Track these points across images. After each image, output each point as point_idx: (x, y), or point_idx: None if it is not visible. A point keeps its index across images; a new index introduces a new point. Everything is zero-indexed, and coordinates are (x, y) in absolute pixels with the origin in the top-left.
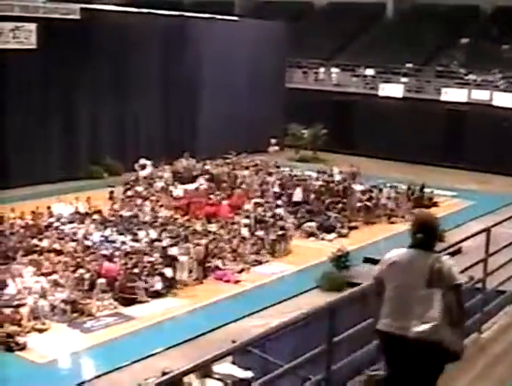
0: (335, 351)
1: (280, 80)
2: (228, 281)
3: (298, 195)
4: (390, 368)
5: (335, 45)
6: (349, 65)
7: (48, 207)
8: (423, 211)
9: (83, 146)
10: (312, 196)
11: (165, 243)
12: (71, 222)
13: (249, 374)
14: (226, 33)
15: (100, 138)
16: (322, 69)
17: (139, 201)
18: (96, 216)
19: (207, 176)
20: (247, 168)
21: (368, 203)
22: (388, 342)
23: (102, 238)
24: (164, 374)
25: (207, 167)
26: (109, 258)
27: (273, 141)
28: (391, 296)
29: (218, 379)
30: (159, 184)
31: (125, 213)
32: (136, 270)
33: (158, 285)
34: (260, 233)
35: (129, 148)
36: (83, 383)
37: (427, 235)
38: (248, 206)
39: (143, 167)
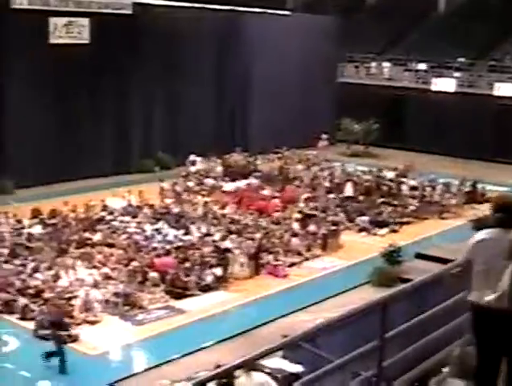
0: (386, 347)
1: (332, 75)
2: (279, 276)
3: (349, 190)
4: (479, 341)
5: (387, 39)
6: (401, 59)
7: (101, 201)
8: (501, 193)
9: (135, 140)
10: (363, 191)
11: (216, 237)
12: (123, 215)
13: (299, 368)
14: (278, 27)
15: (152, 132)
16: (374, 63)
17: (191, 196)
18: (148, 210)
19: (259, 173)
20: (300, 162)
21: (420, 199)
22: (477, 314)
23: (154, 232)
24: (218, 367)
25: (258, 162)
26: (161, 252)
27: (324, 136)
28: (479, 270)
29: (268, 374)
30: (210, 179)
31: (177, 207)
32: (187, 264)
33: (209, 278)
34: (311, 228)
35: (180, 142)
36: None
37: (505, 214)
38: (299, 201)
39: (193, 163)
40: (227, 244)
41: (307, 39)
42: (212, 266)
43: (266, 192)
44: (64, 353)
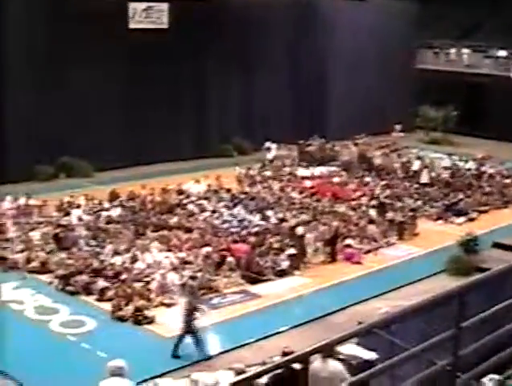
0: (462, 336)
1: (410, 61)
2: (355, 262)
3: (425, 177)
4: None
5: (466, 26)
6: (481, 46)
7: (178, 185)
8: None
9: (213, 125)
10: (440, 179)
11: (292, 222)
12: (200, 199)
13: (373, 355)
14: (356, 13)
15: (230, 117)
16: (453, 50)
17: (267, 181)
18: (225, 195)
19: (336, 160)
20: (383, 147)
21: (498, 188)
22: None
23: (231, 217)
24: (284, 354)
25: (337, 149)
26: (238, 237)
27: (397, 127)
28: None
29: (341, 360)
30: (287, 166)
31: (253, 193)
32: (263, 249)
33: (284, 263)
34: (389, 215)
35: (258, 127)
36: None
37: None
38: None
39: (269, 149)
40: (301, 230)
41: (385, 24)
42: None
43: (339, 179)
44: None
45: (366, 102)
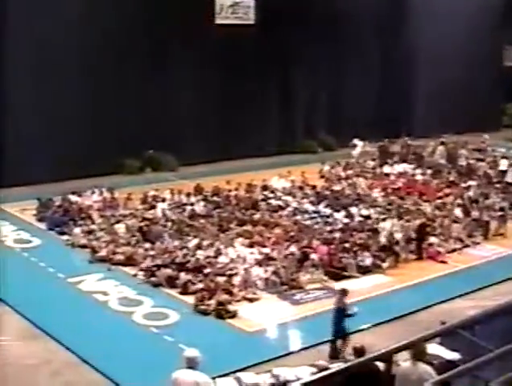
0: None
1: (497, 58)
2: (440, 261)
3: (511, 176)
4: None
5: None
6: None
7: (263, 180)
8: None
9: (299, 121)
10: None
11: (376, 220)
12: (285, 195)
13: (456, 356)
14: (442, 8)
15: (315, 113)
16: None
17: (352, 178)
18: (309, 191)
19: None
20: (463, 147)
21: None
22: None
23: (315, 213)
24: (355, 350)
25: (423, 147)
26: (322, 233)
27: (486, 136)
28: None
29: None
30: (371, 162)
31: (338, 189)
32: (347, 245)
33: (367, 261)
34: (475, 214)
35: (344, 124)
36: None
37: None
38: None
39: (355, 146)
40: (386, 225)
41: (471, 20)
42: (369, 249)
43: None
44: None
45: (454, 100)
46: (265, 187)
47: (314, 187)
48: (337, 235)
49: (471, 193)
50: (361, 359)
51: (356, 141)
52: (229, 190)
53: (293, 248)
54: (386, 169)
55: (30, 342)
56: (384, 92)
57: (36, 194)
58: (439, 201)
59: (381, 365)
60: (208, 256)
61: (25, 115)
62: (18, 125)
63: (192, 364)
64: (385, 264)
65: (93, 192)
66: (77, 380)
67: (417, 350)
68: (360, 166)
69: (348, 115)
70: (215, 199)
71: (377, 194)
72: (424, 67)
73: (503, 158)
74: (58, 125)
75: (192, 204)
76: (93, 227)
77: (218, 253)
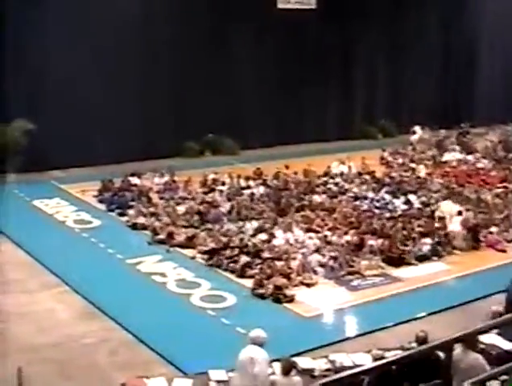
0: None
1: None
2: (499, 250)
3: None
4: None
5: None
6: None
7: (323, 165)
8: None
9: (359, 107)
10: None
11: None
12: (344, 181)
13: None
14: None
15: (376, 99)
16: None
17: (411, 164)
18: (368, 177)
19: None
20: None
21: None
22: None
23: (375, 199)
24: (419, 339)
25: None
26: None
27: (416, 128)
28: None
29: (481, 350)
30: (429, 152)
31: (398, 176)
32: (405, 232)
33: (425, 248)
34: None
35: (404, 110)
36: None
37: None
38: None
39: (414, 132)
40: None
41: None
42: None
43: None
44: None
45: None
46: (324, 173)
47: (373, 173)
48: (396, 222)
49: None
50: (422, 347)
51: (416, 128)
52: (287, 175)
53: (351, 235)
54: (446, 156)
55: (88, 322)
56: (445, 79)
57: (96, 175)
58: (499, 190)
59: (440, 354)
60: (266, 240)
61: (88, 96)
62: (80, 105)
63: (255, 342)
64: (443, 253)
65: (155, 175)
66: (134, 360)
67: (468, 338)
68: (418, 153)
69: (409, 102)
70: (274, 183)
71: (436, 182)
72: (487, 54)
73: None
74: (119, 107)
75: (250, 188)
76: (153, 209)
77: (276, 237)
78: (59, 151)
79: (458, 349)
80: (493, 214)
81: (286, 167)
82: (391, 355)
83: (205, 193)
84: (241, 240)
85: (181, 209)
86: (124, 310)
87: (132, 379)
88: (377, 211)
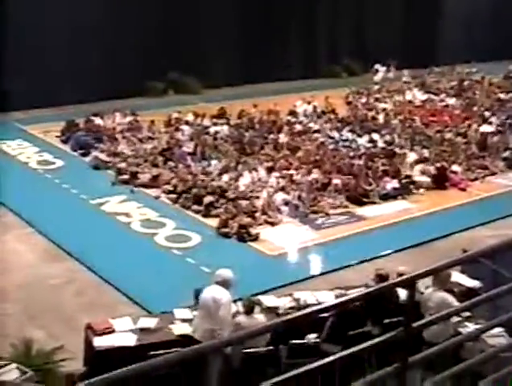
0: None
1: None
2: (461, 189)
3: None
4: None
5: None
6: None
7: (287, 105)
8: None
9: (324, 45)
10: None
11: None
12: (308, 120)
13: (477, 284)
14: None
15: (341, 38)
16: None
17: (375, 103)
18: (332, 116)
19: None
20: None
21: None
22: None
23: (338, 138)
24: (379, 275)
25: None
26: (344, 158)
27: (378, 66)
28: None
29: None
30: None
31: (361, 115)
32: (369, 171)
33: (389, 186)
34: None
35: (368, 49)
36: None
37: None
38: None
39: (377, 71)
40: (412, 156)
41: None
42: (392, 176)
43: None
44: None
45: (482, 26)
46: (289, 112)
47: (336, 113)
48: (360, 161)
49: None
50: (383, 285)
51: (377, 66)
52: (254, 114)
53: (316, 173)
54: (408, 96)
55: (53, 263)
56: (410, 17)
57: (58, 116)
58: (462, 128)
59: (402, 291)
60: (231, 180)
61: (50, 36)
62: (41, 46)
63: (222, 284)
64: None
65: (116, 114)
66: (100, 300)
67: (440, 277)
68: (381, 92)
69: (373, 40)
70: (238, 122)
71: (400, 120)
72: None
73: None
74: (82, 48)
75: (214, 127)
76: (116, 148)
77: (240, 177)
78: (20, 92)
79: (430, 288)
80: (457, 153)
81: (255, 106)
82: (354, 293)
83: (169, 133)
84: (205, 180)
85: (145, 148)
86: (89, 251)
87: (97, 319)
88: (341, 150)
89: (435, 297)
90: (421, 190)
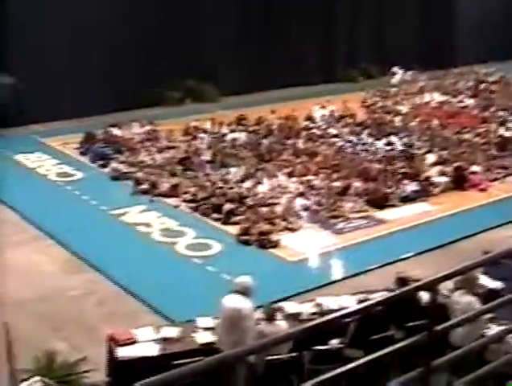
0: None
1: None
2: (481, 190)
3: None
4: None
5: None
6: None
7: (306, 110)
8: None
9: (341, 49)
10: None
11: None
12: (326, 125)
13: (499, 285)
14: None
15: (358, 42)
16: None
17: (392, 106)
18: (350, 120)
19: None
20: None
21: None
22: None
23: (357, 142)
24: (400, 280)
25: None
26: (363, 163)
27: (396, 69)
28: None
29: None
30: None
31: (379, 118)
32: (389, 174)
33: (409, 189)
34: None
35: (385, 52)
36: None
37: None
38: None
39: (394, 74)
40: (431, 158)
41: None
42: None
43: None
44: None
45: (499, 28)
46: (307, 117)
47: (354, 116)
48: (379, 164)
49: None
50: (404, 289)
51: (395, 68)
52: (272, 120)
53: (335, 178)
54: (426, 98)
55: (74, 274)
56: (426, 19)
57: (77, 128)
58: (481, 129)
59: (425, 295)
60: (250, 187)
61: (64, 49)
62: (58, 58)
63: (242, 291)
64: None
65: (135, 125)
66: (121, 310)
67: (467, 280)
68: (401, 95)
69: (390, 44)
70: (256, 128)
71: (420, 123)
72: None
73: None
74: (97, 59)
75: (233, 134)
76: (135, 159)
77: (260, 183)
78: (38, 105)
79: (457, 291)
80: (475, 153)
81: (272, 112)
82: (376, 297)
83: (187, 141)
84: (224, 188)
85: (164, 158)
86: (109, 262)
87: (119, 329)
88: (359, 153)
89: (463, 301)
90: (436, 190)
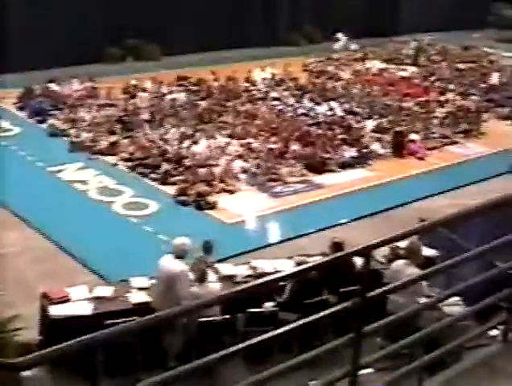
0: None
1: None
2: (419, 158)
3: (494, 79)
4: None
5: None
6: None
7: (246, 72)
8: None
9: (283, 12)
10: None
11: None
12: (267, 88)
13: (433, 253)
14: None
15: (300, 5)
16: None
17: (334, 72)
18: (291, 84)
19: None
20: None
21: None
22: None
23: (297, 106)
24: (335, 244)
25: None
26: (302, 127)
27: (339, 35)
28: None
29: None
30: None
31: (320, 83)
32: (327, 140)
33: (347, 155)
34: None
35: (329, 17)
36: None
37: None
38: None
39: (338, 40)
40: (369, 124)
41: None
42: (350, 144)
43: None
44: None
45: None
46: (247, 79)
47: (295, 80)
48: (319, 129)
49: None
50: (339, 254)
51: (339, 34)
52: (211, 81)
53: (274, 141)
54: (368, 64)
55: (9, 231)
56: None
57: (15, 81)
58: (422, 98)
59: (359, 260)
60: (188, 147)
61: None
62: None
63: (178, 253)
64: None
65: (73, 81)
66: (58, 268)
67: (411, 250)
68: (346, 61)
69: (334, 8)
70: (196, 88)
71: (360, 89)
72: None
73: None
74: (40, 14)
75: (173, 94)
76: (73, 115)
77: (199, 144)
78: None
79: (401, 261)
80: (415, 122)
81: (213, 73)
82: (312, 261)
83: (127, 100)
84: (162, 147)
85: (103, 116)
86: (46, 219)
87: (53, 287)
88: (299, 118)
89: (406, 273)
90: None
